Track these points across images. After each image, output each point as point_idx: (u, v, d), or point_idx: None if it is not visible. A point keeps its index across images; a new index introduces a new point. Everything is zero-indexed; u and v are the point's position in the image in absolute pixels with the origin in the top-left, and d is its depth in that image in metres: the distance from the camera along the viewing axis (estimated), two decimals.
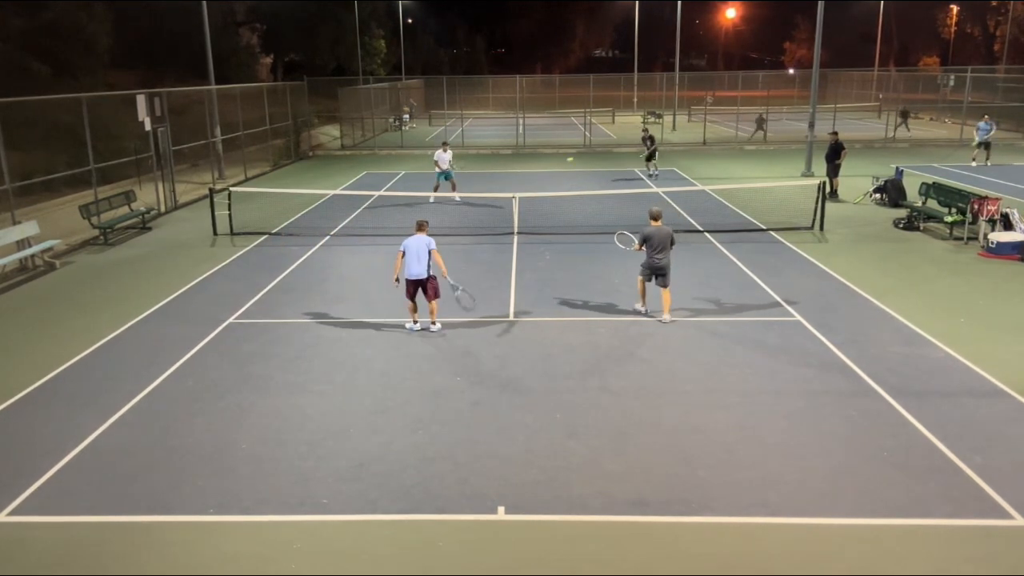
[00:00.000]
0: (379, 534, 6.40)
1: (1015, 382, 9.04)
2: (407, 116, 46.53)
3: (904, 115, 37.93)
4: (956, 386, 9.03)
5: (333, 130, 39.02)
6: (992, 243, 14.93)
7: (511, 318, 11.69)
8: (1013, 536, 6.27)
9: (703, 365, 9.74)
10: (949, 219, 16.32)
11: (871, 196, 20.63)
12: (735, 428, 8.06)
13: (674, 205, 20.12)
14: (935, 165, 27.50)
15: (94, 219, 17.04)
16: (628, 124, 45.84)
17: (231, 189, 19.13)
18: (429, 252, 10.70)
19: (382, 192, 22.97)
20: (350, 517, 6.62)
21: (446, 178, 21.24)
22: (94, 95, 20.33)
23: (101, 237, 17.03)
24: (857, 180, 22.86)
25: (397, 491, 6.98)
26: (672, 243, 11.26)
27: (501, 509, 6.67)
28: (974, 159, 27.40)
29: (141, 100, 19.18)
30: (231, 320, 11.67)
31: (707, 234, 16.83)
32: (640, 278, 11.53)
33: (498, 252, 15.66)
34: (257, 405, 8.75)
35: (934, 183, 18.21)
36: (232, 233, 17.47)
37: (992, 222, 15.66)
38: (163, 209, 20.69)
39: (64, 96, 18.90)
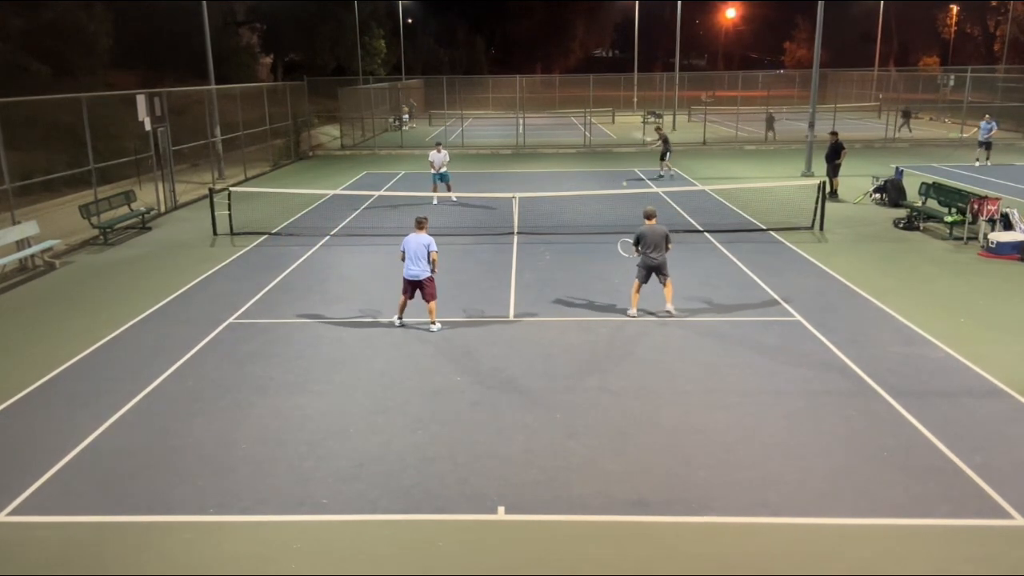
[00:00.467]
0: (379, 534, 6.40)
1: (1015, 382, 9.04)
2: (406, 116, 46.52)
3: (906, 115, 37.95)
4: (956, 386, 9.03)
5: (333, 130, 39.03)
6: (992, 243, 14.93)
7: (511, 318, 11.69)
8: (1013, 536, 6.27)
9: (703, 365, 9.74)
10: (949, 219, 16.32)
11: (871, 196, 20.64)
12: (735, 428, 8.06)
13: (674, 205, 20.13)
14: (935, 165, 27.51)
15: (94, 219, 17.03)
16: (628, 124, 45.86)
17: (231, 189, 19.13)
18: (428, 252, 10.70)
19: (382, 192, 22.98)
20: (350, 517, 6.62)
21: (441, 179, 21.23)
22: (94, 95, 20.32)
23: (101, 237, 17.04)
24: (857, 180, 22.87)
25: (397, 491, 6.97)
26: (668, 242, 11.29)
27: (501, 509, 6.67)
28: (977, 159, 27.41)
29: (141, 100, 19.18)
30: (231, 320, 11.67)
31: (707, 234, 16.83)
32: (636, 281, 11.52)
33: (498, 252, 15.66)
34: (257, 405, 8.75)
35: (934, 183, 18.21)
36: (232, 233, 17.47)
37: (992, 222, 15.66)
38: (163, 209, 20.69)
39: (64, 96, 18.89)
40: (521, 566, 5.98)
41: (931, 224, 17.23)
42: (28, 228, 15.03)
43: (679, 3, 43.82)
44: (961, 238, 16.02)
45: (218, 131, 25.62)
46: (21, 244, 14.86)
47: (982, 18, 79.80)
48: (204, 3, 24.88)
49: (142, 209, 18.95)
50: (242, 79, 38.45)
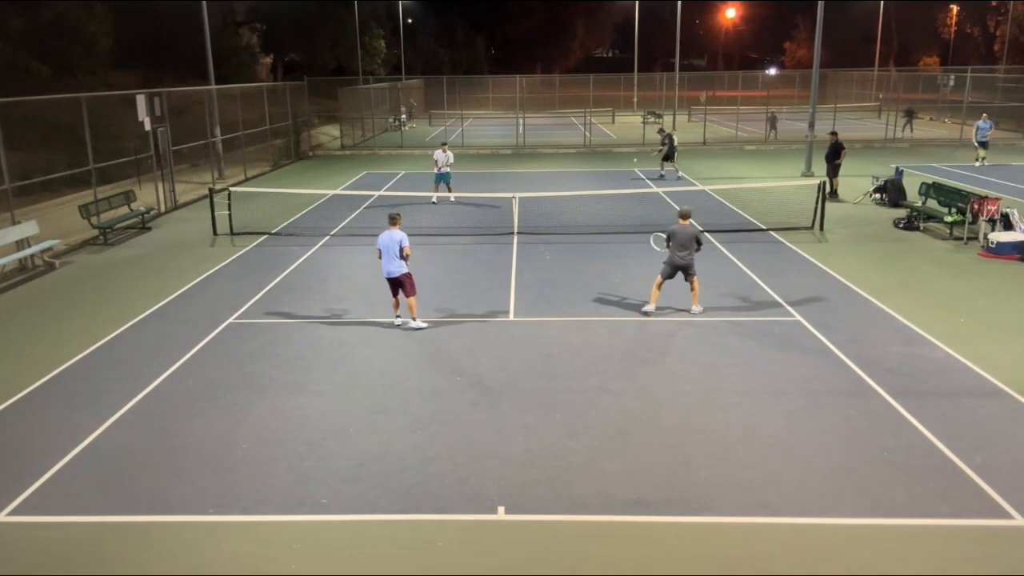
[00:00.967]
0: (379, 534, 6.40)
1: (1015, 382, 9.04)
2: (405, 116, 46.51)
3: (910, 114, 38.00)
4: (956, 386, 9.03)
5: (333, 130, 39.03)
6: (992, 243, 14.93)
7: (511, 318, 11.69)
8: (1013, 536, 6.27)
9: (703, 365, 9.74)
10: (949, 219, 16.32)
11: (871, 196, 20.64)
12: (735, 428, 8.06)
13: (674, 205, 20.12)
14: (935, 165, 27.51)
15: (94, 219, 17.03)
16: (628, 124, 45.85)
17: (231, 189, 19.13)
18: (401, 248, 10.68)
19: (382, 192, 22.98)
20: (350, 517, 6.62)
21: (444, 180, 21.25)
22: (94, 95, 20.33)
23: (101, 237, 17.04)
24: (857, 180, 22.87)
25: (397, 491, 6.97)
26: (699, 244, 11.36)
27: (501, 509, 6.67)
28: (977, 159, 27.42)
29: (141, 100, 19.18)
30: (231, 320, 11.67)
31: (707, 234, 16.80)
32: (659, 277, 11.54)
33: (498, 252, 15.66)
34: (257, 405, 8.75)
35: (934, 183, 18.21)
36: (232, 233, 17.47)
37: (992, 222, 15.66)
38: (163, 209, 20.69)
39: (64, 96, 18.90)
40: (521, 566, 5.98)
41: (931, 224, 17.23)
42: (28, 228, 15.03)
43: (679, 3, 43.82)
44: (961, 238, 16.02)
45: (218, 131, 25.62)
46: (21, 244, 14.86)
47: (982, 18, 79.81)
48: (204, 3, 24.88)
49: (142, 209, 18.95)
50: (242, 79, 38.46)
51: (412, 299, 10.95)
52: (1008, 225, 15.31)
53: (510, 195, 17.97)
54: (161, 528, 6.49)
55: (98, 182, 18.48)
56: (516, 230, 17.17)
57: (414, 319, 11.04)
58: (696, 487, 6.97)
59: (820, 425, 8.11)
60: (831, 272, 13.90)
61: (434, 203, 21.01)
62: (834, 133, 22.40)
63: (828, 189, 19.39)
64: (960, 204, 16.35)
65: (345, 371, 9.69)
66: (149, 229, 18.52)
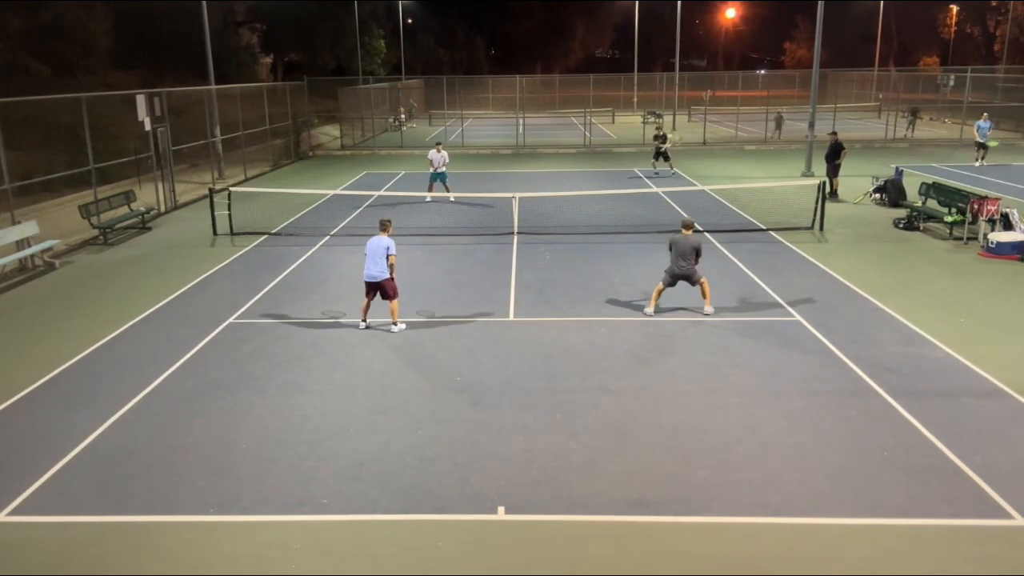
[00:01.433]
0: (379, 534, 6.40)
1: (1015, 382, 9.04)
2: (404, 116, 46.51)
3: (914, 113, 38.07)
4: (956, 386, 9.03)
5: (333, 130, 39.02)
6: (992, 243, 14.93)
7: (511, 318, 11.69)
8: (1013, 536, 6.27)
9: (703, 365, 9.74)
10: (949, 219, 16.32)
11: (871, 196, 20.64)
12: (735, 428, 8.06)
13: (674, 205, 20.13)
14: (935, 165, 27.51)
15: (94, 219, 17.03)
16: (628, 124, 45.84)
17: (231, 189, 19.13)
18: (387, 255, 10.72)
19: (382, 192, 22.99)
20: (350, 517, 6.62)
21: (440, 179, 21.32)
22: (94, 95, 20.33)
23: (101, 237, 17.03)
24: (857, 180, 22.87)
25: (397, 491, 6.97)
26: (698, 254, 11.35)
27: (501, 509, 6.67)
28: (977, 159, 27.42)
29: (141, 100, 19.18)
30: (231, 320, 11.67)
31: (707, 234, 16.81)
32: (660, 284, 11.62)
33: (498, 252, 15.66)
34: (257, 405, 8.75)
35: (934, 183, 18.20)
36: (232, 233, 17.47)
37: (992, 222, 15.66)
38: (163, 209, 20.69)
39: (64, 96, 18.89)
40: (521, 566, 5.98)
41: (931, 224, 17.23)
42: (28, 228, 15.02)
43: (679, 3, 43.82)
44: (961, 238, 16.02)
45: (218, 131, 25.62)
46: (21, 244, 14.86)
47: (982, 18, 79.82)
48: (204, 3, 24.87)
49: (142, 209, 18.95)
50: (242, 79, 38.46)
51: (394, 303, 10.97)
52: (1008, 225, 15.30)
53: (510, 195, 17.97)
54: (161, 528, 6.49)
55: (98, 182, 18.47)
56: (516, 230, 17.17)
57: (395, 323, 11.05)
58: (696, 487, 6.97)
59: (820, 425, 8.11)
60: (831, 272, 13.90)
61: (428, 202, 21.07)
62: (834, 133, 22.41)
63: (828, 189, 19.39)
64: (960, 204, 16.35)
65: (345, 371, 9.69)
66: (149, 229, 18.52)
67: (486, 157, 32.98)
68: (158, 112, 19.70)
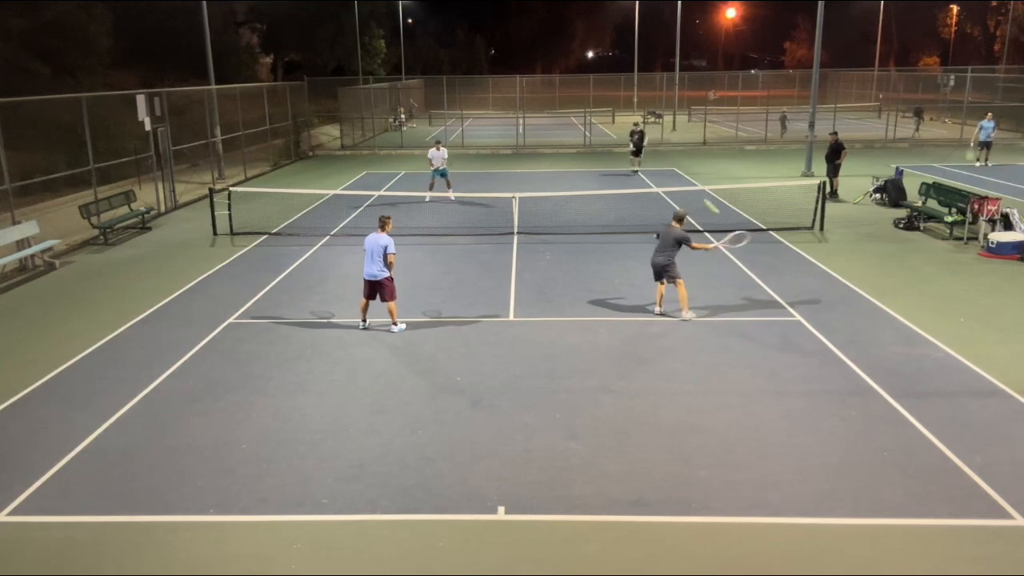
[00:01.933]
0: (379, 534, 6.40)
1: (1015, 382, 9.04)
2: (403, 116, 46.51)
3: (918, 113, 38.13)
4: (956, 386, 9.02)
5: (333, 130, 39.02)
6: (992, 243, 14.93)
7: (511, 318, 11.69)
8: (1013, 536, 6.27)
9: (703, 365, 9.73)
10: (949, 219, 16.32)
11: (871, 196, 20.64)
12: (735, 428, 8.06)
13: (674, 205, 20.12)
14: (935, 165, 27.50)
15: (94, 219, 17.03)
16: (628, 124, 45.75)
17: (231, 189, 19.13)
18: (385, 254, 10.67)
19: (382, 192, 22.99)
20: (350, 517, 6.61)
21: (441, 175, 21.46)
22: (94, 95, 20.34)
23: (101, 237, 17.03)
24: (857, 180, 22.87)
25: (397, 491, 6.97)
26: (678, 245, 11.30)
27: (501, 509, 6.67)
28: (978, 159, 27.41)
29: (141, 100, 19.18)
30: (231, 320, 11.66)
31: (707, 234, 16.80)
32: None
33: (498, 252, 15.66)
34: (257, 405, 8.75)
35: (934, 183, 18.21)
36: (232, 233, 17.47)
37: (992, 222, 15.66)
38: (163, 209, 20.69)
39: (64, 96, 18.90)
40: (521, 566, 5.97)
41: (931, 224, 17.23)
42: (28, 228, 15.02)
43: (679, 3, 43.81)
44: (961, 238, 16.01)
45: (218, 131, 25.61)
46: (21, 244, 14.86)
47: (982, 18, 79.81)
48: (204, 3, 24.88)
49: (142, 209, 18.95)
50: (242, 79, 38.48)
51: (392, 304, 10.94)
52: (1008, 225, 15.30)
53: (510, 195, 17.98)
54: (161, 528, 6.49)
55: (98, 182, 18.48)
56: (516, 230, 17.17)
57: (395, 323, 11.04)
58: (696, 487, 6.97)
59: (820, 425, 8.10)
60: (831, 272, 13.90)
61: (427, 202, 21.12)
62: (834, 133, 22.41)
63: (828, 189, 19.39)
64: (960, 204, 16.35)
65: (345, 371, 9.69)
66: (149, 229, 18.52)
67: (486, 157, 32.97)
68: (158, 112, 19.70)
